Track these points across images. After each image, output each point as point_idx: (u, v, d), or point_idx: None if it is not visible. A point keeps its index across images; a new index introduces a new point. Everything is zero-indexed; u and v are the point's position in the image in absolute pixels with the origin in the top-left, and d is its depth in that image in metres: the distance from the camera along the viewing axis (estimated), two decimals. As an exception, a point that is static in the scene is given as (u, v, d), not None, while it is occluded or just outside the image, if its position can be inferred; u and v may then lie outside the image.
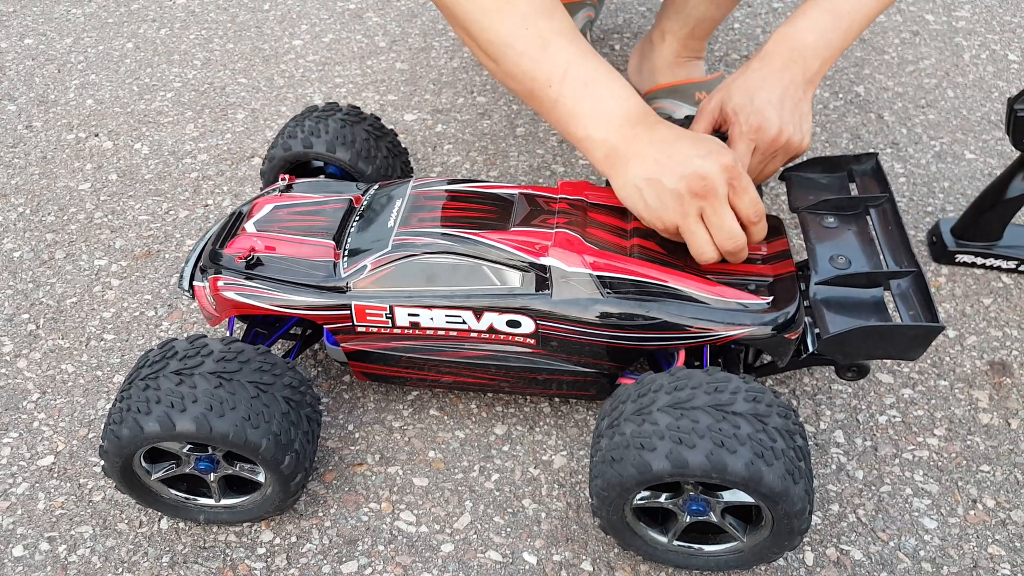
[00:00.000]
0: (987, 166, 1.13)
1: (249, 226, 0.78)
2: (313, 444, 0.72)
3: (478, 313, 0.72)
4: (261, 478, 0.71)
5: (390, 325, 0.74)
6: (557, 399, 0.85)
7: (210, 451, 0.69)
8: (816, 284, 0.69)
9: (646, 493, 0.65)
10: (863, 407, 0.84)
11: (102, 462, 0.69)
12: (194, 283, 0.78)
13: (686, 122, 0.84)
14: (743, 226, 0.69)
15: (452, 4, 0.72)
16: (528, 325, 0.72)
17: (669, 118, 0.80)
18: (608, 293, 0.70)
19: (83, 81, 1.33)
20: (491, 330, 0.73)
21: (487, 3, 0.70)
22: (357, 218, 0.78)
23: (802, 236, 0.82)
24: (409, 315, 0.73)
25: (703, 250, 0.69)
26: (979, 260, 0.98)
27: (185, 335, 0.79)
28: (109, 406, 0.81)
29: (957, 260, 0.98)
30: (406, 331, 0.74)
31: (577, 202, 0.76)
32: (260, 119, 1.24)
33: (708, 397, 0.61)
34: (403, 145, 1.00)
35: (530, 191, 0.78)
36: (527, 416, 0.84)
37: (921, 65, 1.33)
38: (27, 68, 1.36)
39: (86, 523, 0.76)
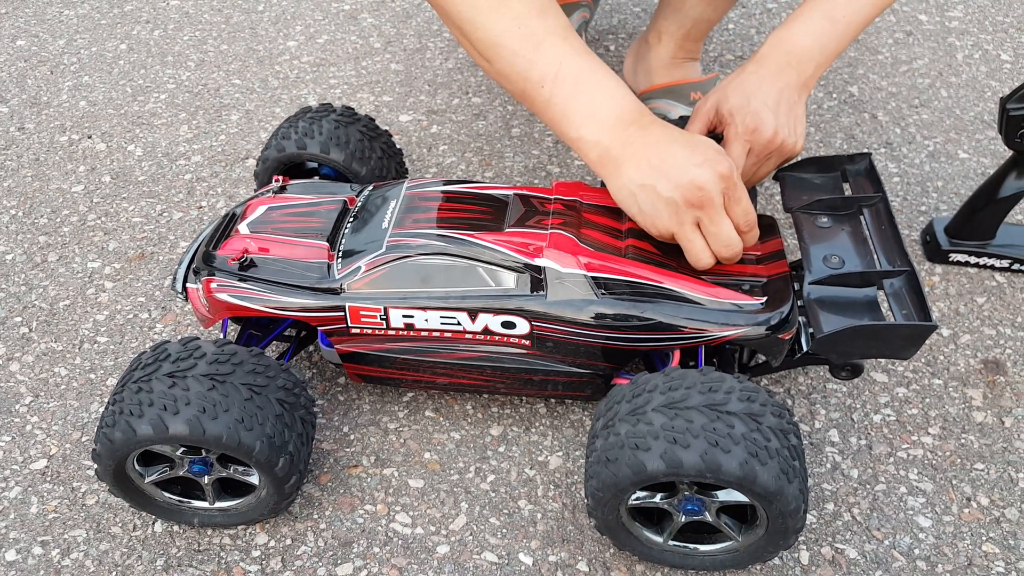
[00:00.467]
0: (980, 165, 1.13)
1: (243, 227, 0.78)
2: (307, 446, 0.72)
3: (473, 314, 0.72)
4: (255, 481, 0.71)
5: (384, 327, 0.74)
6: (553, 400, 0.85)
7: (204, 454, 0.69)
8: (810, 284, 0.70)
9: (641, 493, 0.65)
10: (857, 406, 0.85)
11: (95, 465, 0.69)
12: (187, 285, 0.78)
13: (681, 122, 0.84)
14: None
15: (447, 3, 0.71)
16: (523, 326, 0.72)
17: (664, 118, 0.80)
18: (603, 294, 0.70)
19: (76, 83, 1.33)
20: (486, 331, 0.73)
21: (481, 2, 0.70)
22: (351, 219, 0.77)
23: (796, 236, 0.82)
24: (404, 317, 0.73)
25: (699, 257, 0.70)
26: (973, 259, 0.98)
27: (179, 337, 0.79)
28: (102, 409, 0.81)
29: (951, 259, 0.98)
30: (401, 333, 0.74)
31: (572, 203, 0.76)
32: (254, 120, 1.24)
33: (702, 397, 0.61)
34: (398, 146, 1.00)
35: (525, 192, 0.78)
36: (523, 417, 0.84)
37: (915, 65, 1.33)
38: (19, 70, 1.36)
39: (79, 527, 0.76)
